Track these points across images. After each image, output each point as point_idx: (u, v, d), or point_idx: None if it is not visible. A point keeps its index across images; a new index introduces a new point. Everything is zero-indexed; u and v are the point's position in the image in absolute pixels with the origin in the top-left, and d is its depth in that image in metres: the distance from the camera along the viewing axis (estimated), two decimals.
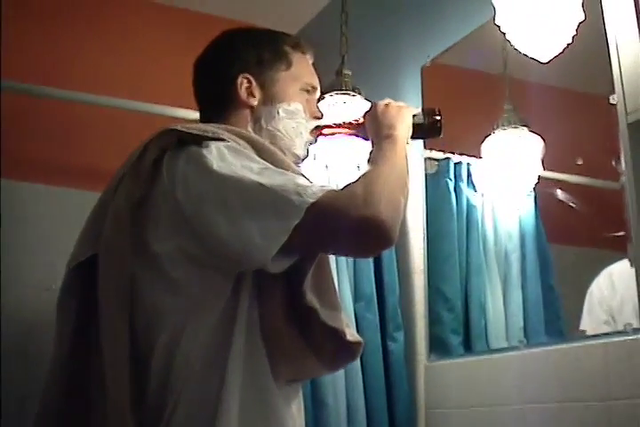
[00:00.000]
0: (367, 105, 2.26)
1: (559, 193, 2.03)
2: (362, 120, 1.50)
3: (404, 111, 1.44)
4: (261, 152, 1.29)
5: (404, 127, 1.41)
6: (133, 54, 3.04)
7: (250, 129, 1.43)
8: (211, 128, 1.30)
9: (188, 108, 2.28)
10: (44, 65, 2.81)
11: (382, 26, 2.78)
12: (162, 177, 1.26)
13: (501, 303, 2.14)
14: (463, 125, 2.20)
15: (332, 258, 2.17)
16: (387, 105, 1.45)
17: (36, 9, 2.89)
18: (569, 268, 2.01)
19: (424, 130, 1.49)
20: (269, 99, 1.45)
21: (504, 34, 1.83)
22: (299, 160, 1.49)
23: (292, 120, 1.45)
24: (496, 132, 2.15)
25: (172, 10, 3.21)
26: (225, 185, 1.19)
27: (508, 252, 2.17)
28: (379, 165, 1.29)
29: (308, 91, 1.50)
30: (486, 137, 2.17)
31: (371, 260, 2.29)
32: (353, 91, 2.31)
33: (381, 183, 1.21)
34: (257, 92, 1.45)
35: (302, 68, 1.51)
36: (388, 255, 2.31)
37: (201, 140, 1.26)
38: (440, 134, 1.51)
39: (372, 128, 1.43)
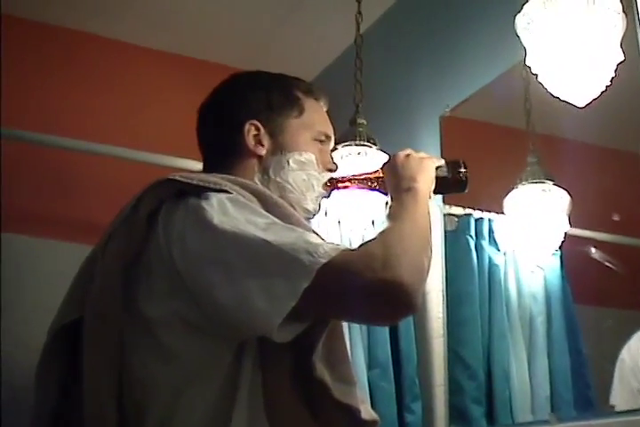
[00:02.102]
0: (383, 156, 2.25)
1: (589, 251, 1.96)
2: (380, 173, 1.43)
3: (427, 162, 1.37)
4: (268, 205, 1.22)
5: (426, 180, 1.34)
6: (136, 102, 3.05)
7: (257, 180, 1.37)
8: (213, 178, 1.23)
9: (192, 158, 2.25)
10: (42, 113, 2.82)
11: (398, 73, 2.78)
12: (157, 232, 1.19)
13: (526, 371, 2.07)
14: (485, 179, 2.16)
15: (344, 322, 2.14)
16: (407, 156, 1.38)
17: (35, 57, 2.92)
18: (598, 331, 1.95)
19: (448, 184, 1.42)
20: (279, 148, 1.39)
21: (535, 76, 1.76)
22: (310, 215, 1.42)
23: (302, 172, 1.39)
24: (519, 186, 2.11)
25: (180, 59, 3.22)
26: (226, 242, 1.11)
27: (532, 315, 2.11)
28: (399, 222, 1.21)
29: (321, 140, 1.44)
30: (509, 192, 2.13)
31: None
32: (368, 141, 2.27)
33: (403, 242, 1.13)
34: (265, 141, 1.39)
35: (315, 116, 1.45)
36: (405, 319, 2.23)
37: (202, 191, 1.19)
38: (465, 189, 1.45)
39: (392, 181, 1.36)
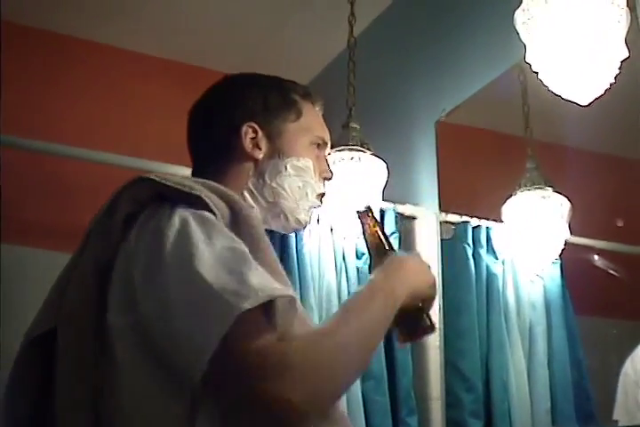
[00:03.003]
0: (377, 161, 2.23)
1: (590, 260, 1.95)
2: (389, 246, 1.35)
3: (432, 283, 1.29)
4: (238, 221, 1.14)
5: (414, 294, 1.24)
6: (133, 109, 3.06)
7: (250, 185, 1.33)
8: (189, 182, 1.17)
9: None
10: (38, 120, 2.82)
11: (393, 76, 2.76)
12: (130, 239, 1.14)
13: (526, 383, 2.05)
14: (482, 185, 2.17)
15: None
16: (422, 261, 1.31)
17: (31, 63, 2.92)
18: (600, 342, 1.94)
19: (409, 319, 1.28)
20: (276, 152, 1.35)
21: (535, 73, 1.73)
22: (300, 226, 1.38)
23: (299, 178, 1.35)
24: (518, 192, 2.09)
25: (170, 64, 3.23)
26: (171, 268, 1.05)
27: (532, 325, 2.10)
28: (353, 325, 1.08)
29: (318, 145, 1.40)
30: (507, 198, 2.11)
31: None
32: (361, 146, 2.23)
33: (339, 355, 1.03)
34: (263, 144, 1.35)
35: (312, 120, 1.41)
36: None
37: (177, 196, 1.14)
38: (403, 341, 1.34)
39: (387, 271, 1.25)
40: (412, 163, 2.50)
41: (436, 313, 2.21)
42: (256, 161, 1.35)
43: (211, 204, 1.13)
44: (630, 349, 1.78)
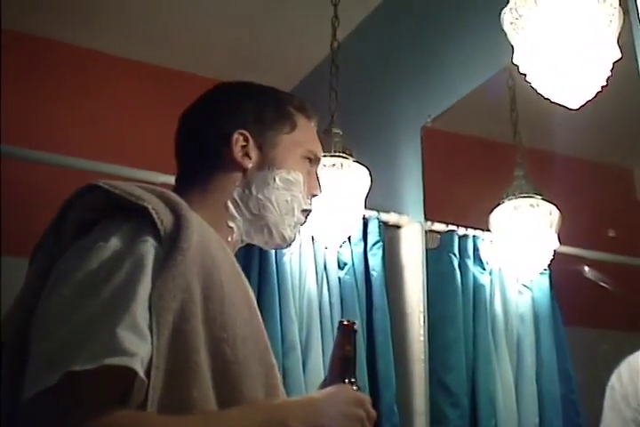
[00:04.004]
0: (359, 168, 2.19)
1: (580, 270, 1.92)
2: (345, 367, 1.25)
3: None
4: (173, 245, 1.08)
5: None
6: (131, 119, 3.10)
7: (236, 195, 1.30)
8: (139, 191, 1.13)
9: None
10: (37, 130, 2.84)
11: (378, 81, 2.76)
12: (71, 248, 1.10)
13: (514, 397, 2.02)
14: (469, 194, 2.14)
15: (317, 340, 2.07)
16: (363, 404, 1.19)
17: (27, 73, 2.96)
18: (589, 354, 1.90)
19: None
20: (266, 163, 1.32)
21: (524, 75, 1.69)
22: (284, 244, 1.35)
23: (287, 192, 1.32)
24: (506, 201, 2.07)
25: (156, 70, 3.27)
26: (63, 293, 1.02)
27: (520, 337, 2.08)
28: None
29: (310, 159, 1.37)
30: (495, 207, 2.08)
31: (362, 346, 2.12)
32: (343, 152, 2.21)
33: None
34: (253, 154, 1.32)
35: (306, 134, 1.38)
36: (383, 341, 2.16)
37: (126, 203, 1.11)
38: None
39: (303, 398, 1.21)
40: (397, 170, 2.48)
41: (421, 325, 2.20)
42: (244, 171, 1.32)
43: (155, 216, 1.09)
44: (619, 360, 1.74)
